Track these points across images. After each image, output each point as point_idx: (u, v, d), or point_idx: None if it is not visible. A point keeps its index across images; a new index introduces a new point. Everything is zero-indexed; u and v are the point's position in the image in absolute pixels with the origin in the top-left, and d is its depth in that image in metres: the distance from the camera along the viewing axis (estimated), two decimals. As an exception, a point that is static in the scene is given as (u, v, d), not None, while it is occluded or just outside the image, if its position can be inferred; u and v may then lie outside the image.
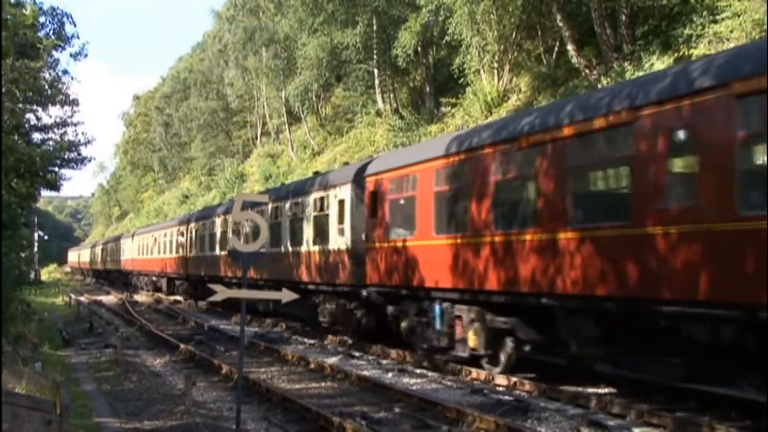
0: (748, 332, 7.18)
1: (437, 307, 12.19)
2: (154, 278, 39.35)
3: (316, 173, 20.24)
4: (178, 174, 78.48)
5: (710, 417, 8.03)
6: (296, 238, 18.37)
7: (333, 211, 16.08)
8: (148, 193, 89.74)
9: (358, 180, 15.12)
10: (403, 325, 13.42)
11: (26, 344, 14.63)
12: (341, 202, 15.73)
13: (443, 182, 12.16)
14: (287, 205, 19.03)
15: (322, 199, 16.77)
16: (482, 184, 11.03)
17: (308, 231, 17.50)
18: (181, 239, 31.73)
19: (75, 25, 13.26)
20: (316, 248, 16.94)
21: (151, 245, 38.53)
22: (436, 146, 12.94)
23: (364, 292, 14.69)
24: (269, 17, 45.10)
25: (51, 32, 13.06)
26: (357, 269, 14.87)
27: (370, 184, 14.48)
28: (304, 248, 17.70)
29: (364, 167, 15.34)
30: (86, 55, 13.68)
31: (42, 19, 12.91)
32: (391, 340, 14.42)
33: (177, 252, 32.50)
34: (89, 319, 23.61)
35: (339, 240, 15.68)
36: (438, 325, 12.17)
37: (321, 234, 16.76)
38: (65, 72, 14.04)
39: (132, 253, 44.35)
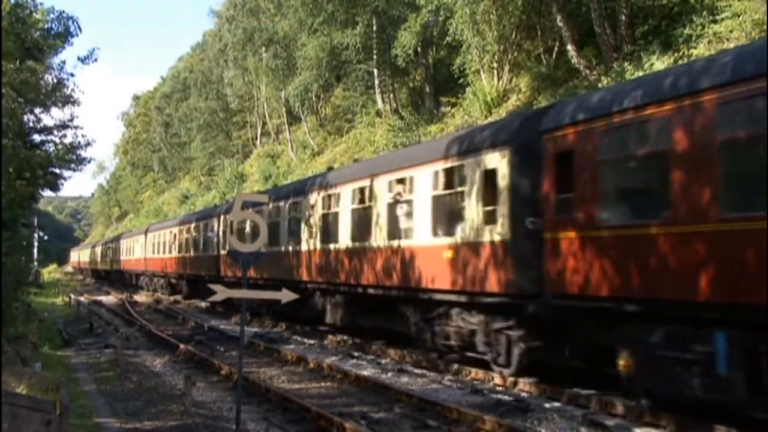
0: None
1: (721, 339, 7.37)
2: (173, 280, 34.95)
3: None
4: (177, 174, 78.51)
5: (710, 417, 8.02)
6: (385, 230, 13.92)
7: (473, 189, 11.21)
8: (148, 194, 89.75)
9: (524, 139, 10.45)
10: (628, 362, 8.51)
11: (26, 344, 14.62)
12: (489, 175, 10.86)
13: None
14: (363, 187, 14.93)
15: (450, 172, 11.97)
16: None
17: (421, 217, 12.70)
18: (211, 234, 26.78)
19: (80, 29, 13.34)
20: (439, 241, 12.14)
21: (169, 242, 33.97)
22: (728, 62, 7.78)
23: (529, 306, 10.12)
24: (269, 17, 45.14)
25: (55, 35, 13.13)
26: (522, 271, 10.18)
27: (554, 143, 9.82)
28: (405, 242, 13.20)
29: (534, 119, 10.63)
30: (96, 60, 13.82)
31: (48, 24, 12.98)
32: (591, 379, 10.19)
33: (205, 249, 27.60)
34: (89, 319, 23.61)
35: (485, 229, 10.84)
36: (724, 368, 7.33)
37: (445, 221, 12.22)
38: (71, 75, 14.15)
39: (143, 251, 40.31)
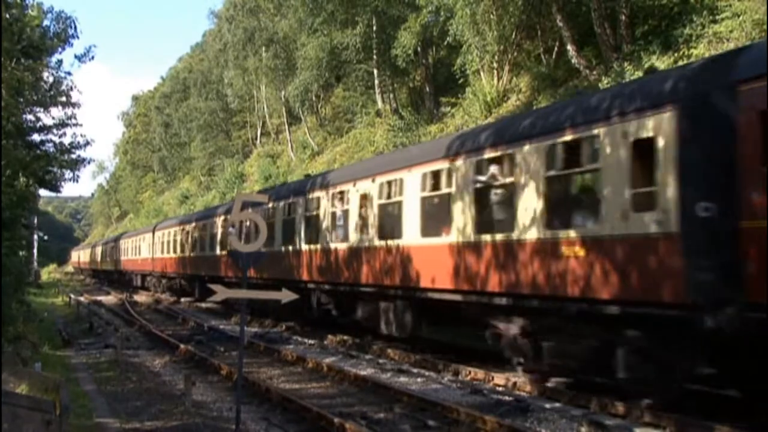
0: None
1: None
2: (183, 281, 31.99)
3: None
4: (177, 174, 78.54)
5: (710, 417, 8.02)
6: (471, 222, 11.13)
7: (614, 166, 8.62)
8: (148, 194, 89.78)
9: (698, 96, 7.87)
10: None
11: (26, 344, 14.62)
12: (642, 146, 8.30)
13: None
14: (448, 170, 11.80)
15: (574, 146, 9.38)
16: None
17: (527, 205, 9.93)
18: (233, 230, 22.91)
19: (76, 29, 13.32)
20: (559, 235, 9.42)
21: (181, 240, 30.86)
22: None
23: (707, 319, 7.48)
24: (269, 17, 45.18)
25: (53, 34, 13.11)
26: (697, 273, 7.63)
27: (760, 96, 7.16)
28: (502, 236, 10.44)
29: (717, 66, 8.10)
30: (93, 58, 13.77)
31: (46, 22, 12.97)
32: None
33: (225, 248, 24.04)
34: (89, 319, 23.60)
35: (636, 219, 8.31)
36: None
37: (566, 208, 9.88)
38: (68, 73, 14.10)
39: (150, 251, 37.33)
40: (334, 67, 35.07)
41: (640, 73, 16.69)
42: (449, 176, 11.75)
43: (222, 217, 24.85)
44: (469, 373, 11.68)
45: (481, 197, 11.07)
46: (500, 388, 10.66)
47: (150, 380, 12.22)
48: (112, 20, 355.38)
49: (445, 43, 26.94)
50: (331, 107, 45.93)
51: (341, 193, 15.60)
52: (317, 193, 16.85)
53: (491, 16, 23.65)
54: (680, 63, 16.08)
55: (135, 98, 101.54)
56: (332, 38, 32.28)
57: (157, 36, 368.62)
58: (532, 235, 9.82)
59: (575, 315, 9.12)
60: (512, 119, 12.68)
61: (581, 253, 8.99)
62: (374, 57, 32.48)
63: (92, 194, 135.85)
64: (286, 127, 48.26)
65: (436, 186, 12.22)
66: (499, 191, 10.92)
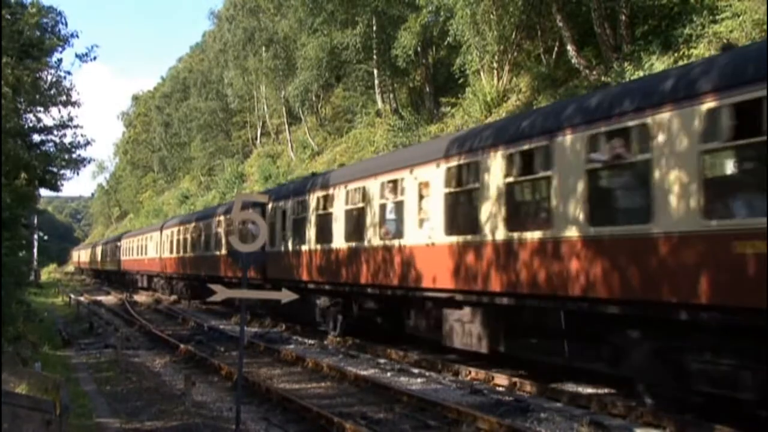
0: None
1: None
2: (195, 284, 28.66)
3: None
4: (177, 174, 78.58)
5: (710, 417, 8.02)
6: (582, 213, 8.80)
7: None
8: (148, 194, 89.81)
9: None
10: None
11: (26, 344, 14.62)
12: None
13: None
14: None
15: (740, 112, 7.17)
16: None
17: (668, 184, 7.71)
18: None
19: (66, 25, 13.32)
20: (719, 225, 7.24)
21: (193, 239, 28.33)
22: None
23: None
24: (269, 17, 45.20)
25: (50, 31, 13.12)
26: None
27: None
28: (625, 229, 8.28)
29: None
30: (95, 58, 13.78)
31: (38, 18, 12.96)
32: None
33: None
34: (89, 319, 23.60)
35: None
36: None
37: (725, 191, 7.65)
38: (68, 73, 14.12)
39: (158, 250, 35.02)
40: (334, 67, 35.09)
41: (640, 73, 16.71)
42: (548, 157, 9.35)
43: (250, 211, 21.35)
44: (469, 373, 11.68)
45: (592, 184, 8.82)
46: (500, 388, 10.66)
47: (150, 380, 12.22)
48: (113, 20, 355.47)
49: (445, 43, 26.96)
50: (331, 107, 45.96)
51: (394, 182, 13.28)
52: (359, 183, 14.47)
53: (491, 16, 23.66)
54: (680, 63, 16.08)
55: (135, 98, 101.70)
56: (332, 38, 32.30)
57: (158, 36, 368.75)
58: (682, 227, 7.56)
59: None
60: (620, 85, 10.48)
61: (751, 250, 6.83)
62: (374, 57, 32.49)
63: (92, 194, 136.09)
64: (286, 127, 48.28)
65: (527, 170, 9.93)
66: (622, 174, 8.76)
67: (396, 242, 12.94)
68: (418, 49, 30.37)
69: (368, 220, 14.02)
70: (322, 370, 12.60)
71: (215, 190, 55.34)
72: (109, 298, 37.50)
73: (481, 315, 11.05)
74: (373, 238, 13.76)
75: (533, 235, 9.59)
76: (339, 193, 15.30)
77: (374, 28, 31.45)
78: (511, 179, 10.10)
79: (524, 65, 25.62)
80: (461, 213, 11.46)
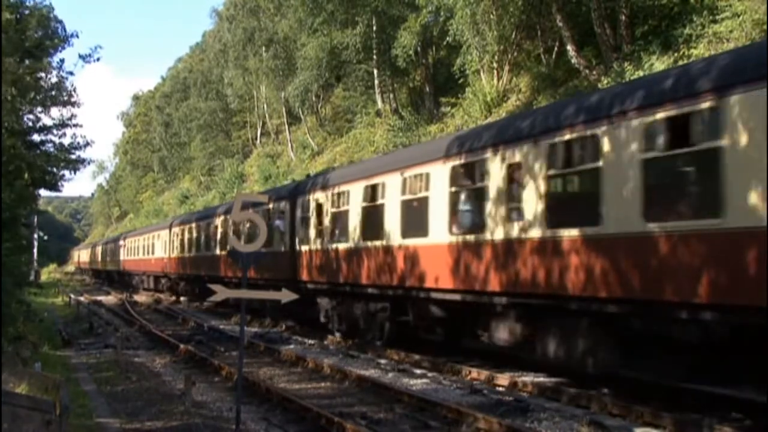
0: None
1: None
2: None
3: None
4: (177, 174, 78.59)
5: (710, 417, 8.02)
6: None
7: None
8: (148, 194, 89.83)
9: None
10: None
11: (26, 344, 14.61)
12: None
13: None
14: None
15: None
16: None
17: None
18: (279, 223, 18.80)
19: (60, 23, 13.34)
20: None
21: (204, 237, 26.65)
22: None
23: None
24: (269, 17, 45.21)
25: (49, 31, 13.14)
26: None
27: None
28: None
29: None
30: (98, 59, 13.80)
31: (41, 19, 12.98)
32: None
33: (275, 245, 18.40)
34: (89, 319, 23.59)
35: None
36: None
37: None
38: (70, 73, 14.14)
39: (166, 250, 33.50)
40: (334, 67, 35.10)
41: (640, 73, 16.71)
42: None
43: (283, 203, 18.71)
44: (469, 373, 11.67)
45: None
46: (500, 388, 10.65)
47: (150, 380, 12.21)
48: (113, 20, 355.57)
49: (445, 43, 26.97)
50: (331, 107, 45.96)
51: (471, 165, 11.17)
52: (419, 170, 12.45)
53: (491, 16, 23.66)
54: (680, 63, 16.08)
55: (135, 98, 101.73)
56: (332, 38, 32.30)
57: (158, 36, 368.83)
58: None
59: None
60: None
61: None
62: (374, 57, 32.50)
63: (92, 194, 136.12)
64: (286, 127, 48.29)
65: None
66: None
67: (472, 237, 10.81)
68: (418, 49, 30.38)
69: (432, 210, 11.90)
70: (322, 370, 12.60)
71: (215, 190, 55.35)
72: (109, 298, 37.50)
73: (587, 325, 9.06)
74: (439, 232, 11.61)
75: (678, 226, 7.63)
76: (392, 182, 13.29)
77: (374, 28, 31.46)
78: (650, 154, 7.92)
79: (524, 65, 25.63)
80: (567, 203, 9.74)
